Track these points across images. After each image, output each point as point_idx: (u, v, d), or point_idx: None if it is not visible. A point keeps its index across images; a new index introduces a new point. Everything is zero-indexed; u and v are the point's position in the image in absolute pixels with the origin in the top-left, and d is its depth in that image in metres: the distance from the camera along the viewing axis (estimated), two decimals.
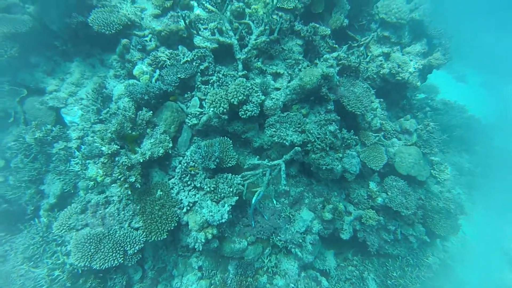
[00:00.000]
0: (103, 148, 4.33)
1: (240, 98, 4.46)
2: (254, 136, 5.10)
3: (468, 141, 9.81)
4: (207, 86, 5.32)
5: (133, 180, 4.26)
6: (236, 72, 5.13)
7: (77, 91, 6.04)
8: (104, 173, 4.32)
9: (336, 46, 5.80)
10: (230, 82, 4.90)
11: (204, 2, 5.11)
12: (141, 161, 4.36)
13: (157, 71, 5.32)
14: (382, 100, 6.02)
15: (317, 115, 5.14)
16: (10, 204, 5.57)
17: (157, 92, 4.78)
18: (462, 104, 10.77)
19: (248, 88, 4.61)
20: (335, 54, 5.44)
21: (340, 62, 5.46)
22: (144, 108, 4.86)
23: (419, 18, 5.58)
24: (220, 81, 4.93)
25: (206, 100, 4.59)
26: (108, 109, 5.59)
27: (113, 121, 4.61)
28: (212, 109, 4.47)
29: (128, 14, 5.60)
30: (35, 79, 5.90)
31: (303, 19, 5.88)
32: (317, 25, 5.48)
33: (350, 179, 4.98)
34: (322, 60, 5.18)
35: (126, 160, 4.30)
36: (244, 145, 5.35)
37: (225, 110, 4.45)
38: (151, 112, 4.81)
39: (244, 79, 4.78)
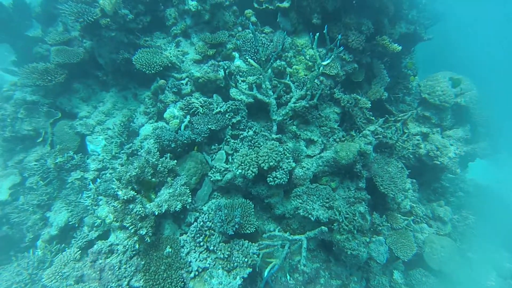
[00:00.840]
0: (119, 193, 4.10)
1: (271, 164, 4.22)
2: (277, 203, 4.78)
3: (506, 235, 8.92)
4: (236, 141, 5.14)
5: (144, 233, 3.95)
6: (269, 133, 4.95)
7: (105, 120, 6.01)
8: (115, 218, 4.05)
9: (373, 118, 5.60)
10: (261, 143, 4.69)
11: (247, 57, 5.10)
12: (156, 213, 4.07)
13: (188, 117, 5.22)
14: (414, 180, 5.65)
15: (347, 190, 4.80)
16: (11, 227, 5.33)
17: (185, 141, 4.61)
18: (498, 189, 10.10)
19: (280, 153, 4.38)
20: (372, 128, 5.22)
21: (376, 137, 5.22)
22: (168, 154, 4.69)
23: (465, 104, 5.36)
24: (252, 141, 4.73)
25: (235, 160, 4.36)
26: (131, 144, 5.48)
27: (135, 164, 4.42)
28: (240, 171, 4.22)
29: (170, 56, 5.67)
30: (71, 104, 5.94)
31: (342, 86, 5.80)
32: (359, 97, 5.35)
33: (376, 269, 4.49)
34: (360, 135, 4.96)
35: (140, 209, 4.03)
36: (265, 209, 5.01)
37: (254, 175, 4.20)
38: (175, 161, 4.60)
39: (277, 143, 4.57)
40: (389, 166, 5.04)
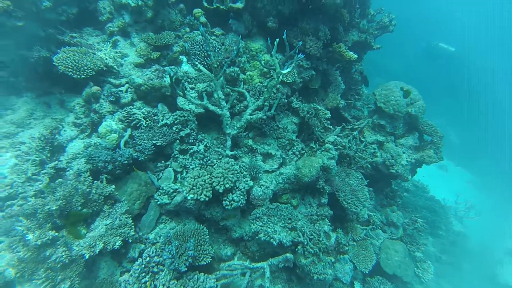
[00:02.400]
0: (29, 237, 3.17)
1: (227, 186, 3.73)
2: (234, 225, 4.31)
3: (432, 224, 9.80)
4: (186, 157, 4.54)
5: (67, 286, 3.14)
6: (222, 148, 4.45)
7: (17, 133, 4.87)
8: (19, 273, 3.10)
9: (331, 127, 5.46)
10: (215, 161, 4.17)
11: (197, 62, 4.50)
12: (87, 257, 3.30)
13: (129, 130, 4.46)
14: (371, 189, 5.67)
15: (308, 207, 4.55)
16: None
17: (125, 162, 3.87)
18: (425, 184, 11.06)
19: (236, 172, 3.92)
20: (331, 139, 5.05)
21: (336, 147, 5.07)
22: (104, 176, 3.90)
23: (415, 114, 5.51)
24: (204, 159, 4.17)
25: (186, 183, 3.77)
26: (56, 162, 4.49)
27: (58, 193, 3.55)
28: (191, 195, 3.65)
29: (106, 58, 4.81)
30: None
31: (298, 92, 5.55)
32: (318, 107, 5.14)
33: None
34: (322, 149, 4.73)
35: (62, 254, 3.20)
36: (220, 231, 4.50)
37: (207, 199, 3.67)
38: (113, 186, 3.84)
39: (233, 160, 4.10)
40: (349, 178, 4.93)
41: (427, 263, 5.89)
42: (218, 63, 4.16)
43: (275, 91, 5.01)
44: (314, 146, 4.92)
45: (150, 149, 4.16)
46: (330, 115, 5.19)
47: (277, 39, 3.95)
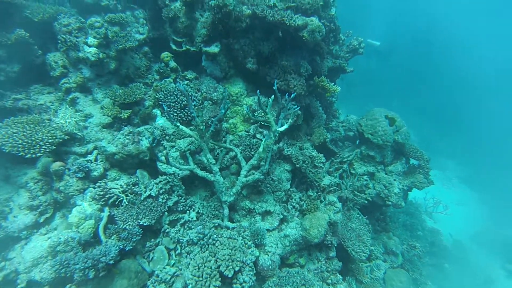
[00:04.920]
0: None
1: (236, 268, 3.29)
2: None
3: (411, 227, 10.08)
4: (177, 228, 4.00)
5: None
6: (218, 217, 3.99)
7: None
8: None
9: (322, 165, 5.23)
10: (214, 236, 3.68)
11: (178, 124, 3.88)
12: None
13: (106, 210, 3.80)
14: (367, 220, 5.57)
15: (316, 262, 4.27)
16: None
17: (110, 261, 3.23)
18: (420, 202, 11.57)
19: (242, 247, 3.50)
20: (326, 181, 4.82)
21: (331, 188, 4.86)
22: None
23: (402, 141, 5.52)
24: (205, 239, 3.64)
25: (187, 278, 3.24)
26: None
27: None
28: None
29: (66, 125, 4.08)
30: None
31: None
32: (314, 154, 4.87)
33: None
34: (326, 202, 4.48)
35: None
36: None
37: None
38: None
39: (235, 233, 3.66)
40: (351, 221, 4.76)
41: (428, 284, 5.95)
42: (203, 125, 3.69)
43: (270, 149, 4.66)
44: (312, 194, 4.65)
45: (137, 233, 3.56)
46: (324, 159, 4.96)
47: (272, 97, 3.60)
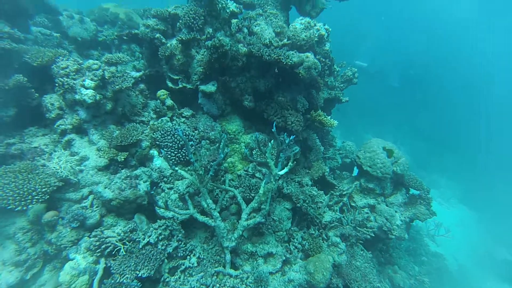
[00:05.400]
0: None
1: None
2: None
3: (414, 252, 9.83)
4: (177, 277, 3.83)
5: None
6: (219, 262, 3.84)
7: None
8: None
9: (322, 201, 5.15)
10: (215, 283, 3.52)
11: (176, 168, 3.80)
12: None
13: (102, 262, 3.62)
14: (370, 254, 5.43)
15: None
16: None
17: None
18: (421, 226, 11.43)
19: None
20: (328, 218, 4.74)
21: (333, 224, 4.76)
22: None
23: (401, 172, 5.50)
24: None
25: None
26: None
27: None
28: None
29: (61, 170, 3.98)
30: None
31: None
32: (314, 193, 4.81)
33: None
34: (329, 243, 4.38)
35: None
36: None
37: None
38: None
39: (238, 281, 3.51)
40: (355, 259, 4.62)
41: None
42: (202, 169, 3.62)
43: (261, 177, 4.60)
44: (314, 232, 4.54)
45: (135, 287, 3.38)
46: (324, 196, 4.90)
47: (271, 142, 3.58)
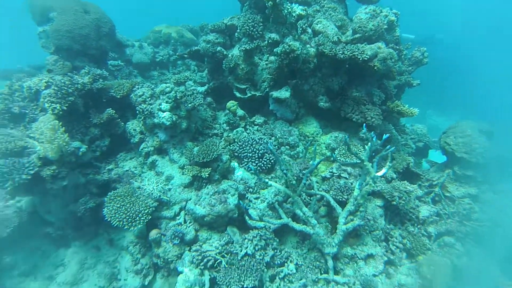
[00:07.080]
0: None
1: None
2: None
3: None
4: (277, 283, 3.79)
5: None
6: (319, 270, 3.71)
7: None
8: None
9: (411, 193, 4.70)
10: None
11: (266, 180, 3.71)
12: None
13: (207, 274, 3.74)
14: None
15: None
16: None
17: None
18: None
19: None
20: (425, 213, 4.34)
21: (432, 219, 4.32)
22: None
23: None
24: None
25: None
26: None
27: None
28: None
29: (154, 191, 4.21)
30: None
31: None
32: (410, 188, 4.44)
33: None
34: (441, 242, 3.99)
35: None
36: None
37: None
38: None
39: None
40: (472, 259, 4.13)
41: None
42: (294, 178, 3.52)
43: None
44: (413, 229, 4.17)
45: None
46: (419, 192, 4.48)
47: (369, 144, 3.35)
